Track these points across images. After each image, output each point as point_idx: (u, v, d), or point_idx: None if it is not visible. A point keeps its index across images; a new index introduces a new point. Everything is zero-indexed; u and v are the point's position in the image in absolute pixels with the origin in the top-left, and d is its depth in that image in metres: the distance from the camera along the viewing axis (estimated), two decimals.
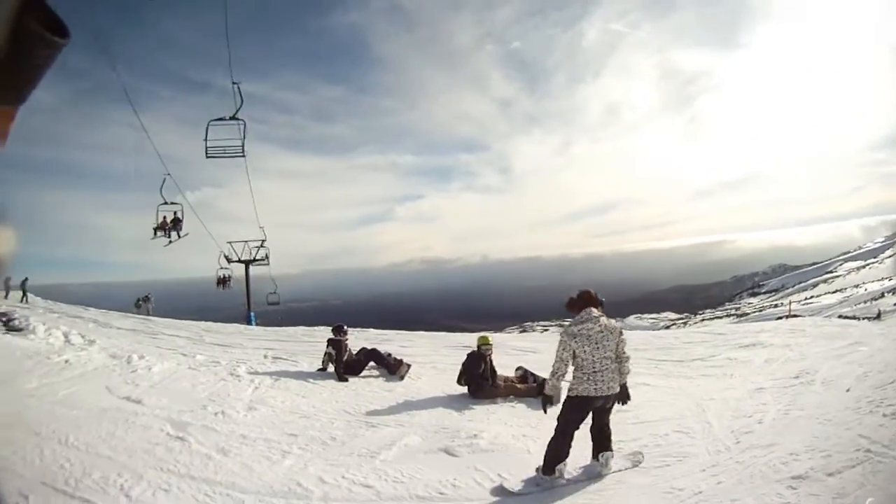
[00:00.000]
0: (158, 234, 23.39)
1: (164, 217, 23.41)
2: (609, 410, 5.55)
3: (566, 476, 5.50)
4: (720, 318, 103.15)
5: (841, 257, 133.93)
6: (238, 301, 28.43)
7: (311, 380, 9.53)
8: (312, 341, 12.72)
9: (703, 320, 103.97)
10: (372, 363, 10.36)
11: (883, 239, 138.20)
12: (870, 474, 4.88)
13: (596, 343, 5.21)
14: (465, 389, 9.17)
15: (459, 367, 9.36)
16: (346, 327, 10.54)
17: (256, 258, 27.80)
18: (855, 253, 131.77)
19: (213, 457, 5.79)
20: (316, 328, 14.78)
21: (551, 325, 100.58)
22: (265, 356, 10.98)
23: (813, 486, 4.83)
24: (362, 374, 10.14)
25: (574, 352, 5.21)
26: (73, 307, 16.17)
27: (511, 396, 9.01)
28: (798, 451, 5.79)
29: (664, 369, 12.49)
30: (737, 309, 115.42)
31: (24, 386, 7.42)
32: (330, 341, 10.11)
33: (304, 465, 5.77)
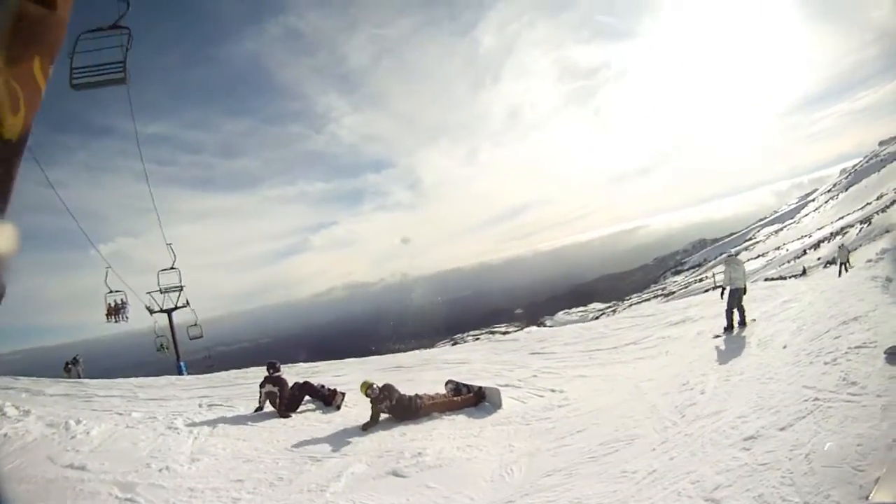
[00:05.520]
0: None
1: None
2: None
3: None
4: (647, 300, 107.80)
5: (758, 224, 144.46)
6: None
7: (250, 422, 9.65)
8: (246, 383, 13.07)
9: (630, 305, 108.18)
10: (307, 397, 10.65)
11: (796, 200, 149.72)
12: (822, 421, 5.18)
13: None
14: None
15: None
16: (278, 364, 10.94)
17: (178, 305, 27.62)
18: (771, 218, 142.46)
19: None
20: (248, 370, 14.97)
21: (481, 334, 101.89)
22: (200, 405, 11.19)
23: (767, 443, 5.07)
24: (299, 409, 10.40)
25: None
26: (2, 378, 15.16)
27: (448, 411, 9.36)
28: (745, 413, 6.08)
29: (598, 358, 12.95)
30: (663, 289, 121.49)
31: None
32: (268, 379, 10.41)
33: None
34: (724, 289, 13.06)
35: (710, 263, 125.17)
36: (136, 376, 15.93)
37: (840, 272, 26.40)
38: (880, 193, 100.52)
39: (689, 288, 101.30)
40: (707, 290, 40.53)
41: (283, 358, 12.28)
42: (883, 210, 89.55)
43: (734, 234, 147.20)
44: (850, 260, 34.22)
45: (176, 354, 27.51)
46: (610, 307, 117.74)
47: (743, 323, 12.37)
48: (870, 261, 20.66)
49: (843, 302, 11.67)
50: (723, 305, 12.66)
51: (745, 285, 12.77)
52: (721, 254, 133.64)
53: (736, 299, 12.48)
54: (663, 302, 66.96)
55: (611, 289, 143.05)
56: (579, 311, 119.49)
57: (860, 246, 60.07)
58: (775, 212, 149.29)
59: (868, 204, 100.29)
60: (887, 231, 66.21)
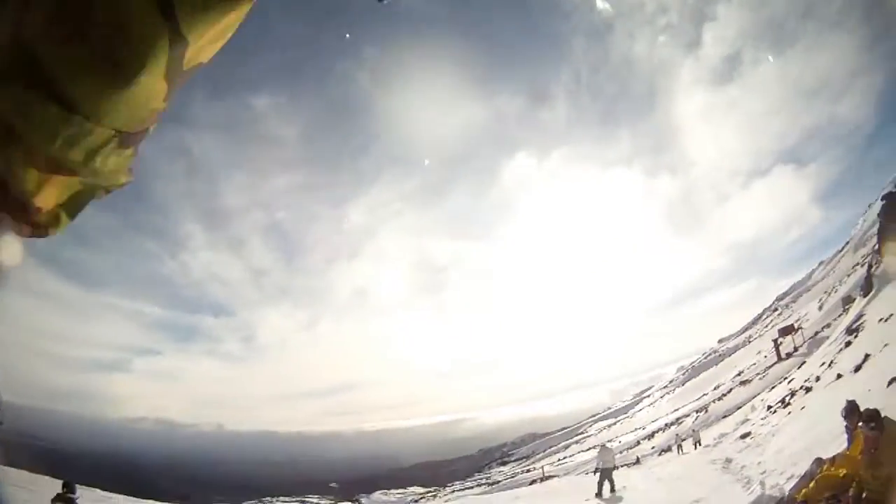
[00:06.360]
0: None
1: None
2: None
3: None
4: (471, 488, 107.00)
5: (590, 419, 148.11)
6: None
7: None
8: (36, 490, 12.31)
9: (453, 492, 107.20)
10: None
11: (631, 397, 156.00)
12: None
13: None
14: None
15: None
16: (75, 486, 10.70)
17: None
18: (604, 413, 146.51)
19: None
20: (40, 477, 13.04)
21: (292, 502, 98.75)
22: None
23: None
24: None
25: None
26: None
27: None
28: None
29: None
30: (487, 478, 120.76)
31: None
32: (60, 498, 10.10)
33: None
34: (597, 468, 18.89)
35: (539, 455, 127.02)
36: None
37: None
38: (717, 384, 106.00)
39: (516, 478, 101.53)
40: (533, 483, 40.98)
41: (79, 476, 12.07)
42: (720, 398, 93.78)
43: (565, 428, 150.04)
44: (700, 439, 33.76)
45: None
46: (430, 492, 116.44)
47: (613, 490, 17.84)
48: (707, 445, 21.35)
49: (680, 489, 11.61)
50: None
51: (614, 465, 19.06)
52: (550, 447, 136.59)
53: (607, 475, 18.15)
54: (487, 492, 67.75)
55: (432, 475, 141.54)
56: (397, 493, 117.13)
57: (697, 431, 62.64)
58: (609, 408, 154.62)
59: (705, 395, 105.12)
60: (724, 416, 69.09)
